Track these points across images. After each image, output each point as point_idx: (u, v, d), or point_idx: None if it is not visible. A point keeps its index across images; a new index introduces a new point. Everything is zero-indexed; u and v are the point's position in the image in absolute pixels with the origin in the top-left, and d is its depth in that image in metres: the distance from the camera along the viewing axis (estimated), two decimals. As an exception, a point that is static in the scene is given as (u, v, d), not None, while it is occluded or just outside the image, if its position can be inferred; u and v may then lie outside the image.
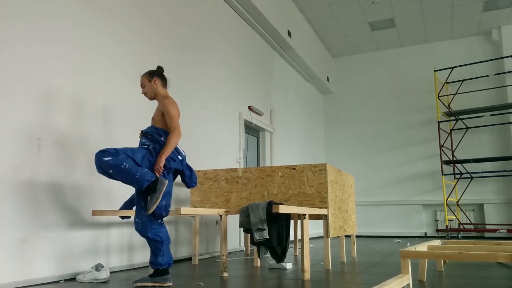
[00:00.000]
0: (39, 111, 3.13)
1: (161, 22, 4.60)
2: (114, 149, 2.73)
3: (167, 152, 2.86)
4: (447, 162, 8.30)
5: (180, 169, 3.01)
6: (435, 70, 8.69)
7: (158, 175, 2.82)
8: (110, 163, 2.66)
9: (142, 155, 2.82)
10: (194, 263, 4.19)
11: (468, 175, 8.49)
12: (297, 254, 4.94)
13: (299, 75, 8.96)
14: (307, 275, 3.11)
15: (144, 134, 3.01)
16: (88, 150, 3.51)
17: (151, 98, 3.14)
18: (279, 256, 3.46)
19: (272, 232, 3.29)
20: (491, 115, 8.53)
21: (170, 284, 2.85)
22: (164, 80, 3.17)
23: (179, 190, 4.64)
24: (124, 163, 2.67)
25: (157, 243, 2.87)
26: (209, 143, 5.33)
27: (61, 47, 3.36)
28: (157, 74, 3.14)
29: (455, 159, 8.35)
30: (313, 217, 3.91)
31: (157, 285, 2.82)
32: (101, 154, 2.70)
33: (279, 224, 3.37)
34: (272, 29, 6.89)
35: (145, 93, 3.13)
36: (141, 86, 3.14)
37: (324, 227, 3.77)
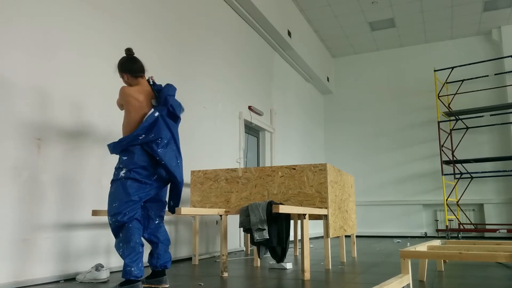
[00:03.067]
0: (39, 111, 3.13)
1: (161, 22, 4.60)
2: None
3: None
4: (447, 162, 8.29)
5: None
6: (435, 70, 8.69)
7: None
8: (116, 242, 2.69)
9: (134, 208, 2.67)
10: (194, 263, 4.19)
11: (468, 175, 8.49)
12: (297, 254, 4.94)
13: (299, 75, 8.96)
14: (307, 275, 3.11)
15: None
16: (88, 150, 3.51)
17: None
18: (279, 256, 3.46)
19: (272, 232, 3.29)
20: (491, 115, 8.53)
21: (167, 285, 2.83)
22: (132, 72, 2.80)
23: (179, 190, 4.64)
24: (120, 251, 2.63)
25: (152, 244, 2.84)
26: (209, 143, 5.33)
27: (61, 47, 3.36)
28: (123, 68, 2.83)
29: (455, 159, 8.35)
30: (313, 217, 3.91)
31: (153, 286, 2.81)
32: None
33: (279, 224, 3.37)
34: (272, 29, 6.89)
35: None
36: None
37: (324, 227, 3.77)
